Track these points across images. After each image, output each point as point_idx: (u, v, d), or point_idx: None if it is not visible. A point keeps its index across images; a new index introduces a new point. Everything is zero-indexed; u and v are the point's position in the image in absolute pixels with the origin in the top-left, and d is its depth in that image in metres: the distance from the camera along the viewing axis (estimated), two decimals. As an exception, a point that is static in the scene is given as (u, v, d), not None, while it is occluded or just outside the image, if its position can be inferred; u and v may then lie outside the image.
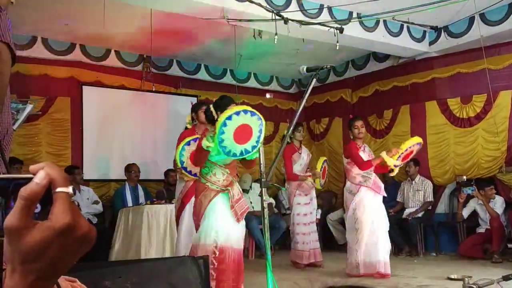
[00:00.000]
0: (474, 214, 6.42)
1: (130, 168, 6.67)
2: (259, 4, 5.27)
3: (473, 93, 6.59)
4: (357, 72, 8.06)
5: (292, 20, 5.50)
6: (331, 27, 5.87)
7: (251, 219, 6.96)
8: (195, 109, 4.75)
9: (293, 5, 5.61)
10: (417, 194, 6.84)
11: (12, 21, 1.35)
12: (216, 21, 5.46)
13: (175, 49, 7.29)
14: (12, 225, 0.50)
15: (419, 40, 6.81)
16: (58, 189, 0.52)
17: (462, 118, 6.72)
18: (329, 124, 8.50)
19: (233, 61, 7.07)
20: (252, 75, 8.56)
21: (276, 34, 5.52)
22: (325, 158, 6.56)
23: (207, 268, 2.88)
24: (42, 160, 6.48)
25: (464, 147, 6.69)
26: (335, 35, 5.91)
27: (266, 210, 2.67)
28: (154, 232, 5.33)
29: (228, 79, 8.24)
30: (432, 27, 6.69)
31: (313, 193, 6.06)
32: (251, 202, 7.32)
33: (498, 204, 6.13)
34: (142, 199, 6.53)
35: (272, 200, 7.69)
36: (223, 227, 3.63)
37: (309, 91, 2.71)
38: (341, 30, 5.88)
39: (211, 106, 3.84)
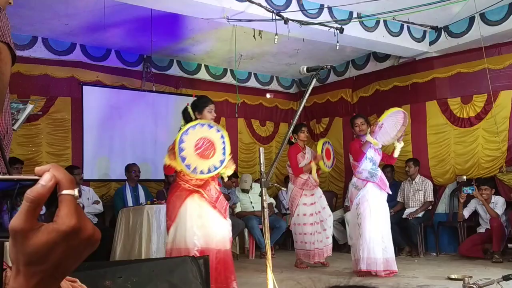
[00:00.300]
0: (474, 214, 6.42)
1: (131, 168, 6.68)
2: (259, 4, 5.27)
3: (474, 93, 6.59)
4: (358, 72, 8.05)
5: (292, 20, 5.50)
6: (331, 27, 5.87)
7: (251, 219, 6.96)
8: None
9: (293, 5, 5.60)
10: (417, 194, 6.84)
11: (12, 21, 1.35)
12: (216, 21, 5.47)
13: (175, 49, 7.29)
14: (18, 227, 0.50)
15: (419, 40, 6.80)
16: (64, 192, 0.52)
17: (463, 118, 6.72)
18: (330, 124, 8.49)
19: (233, 61, 7.07)
20: (252, 75, 8.56)
21: (276, 34, 5.52)
22: (325, 139, 6.45)
23: (207, 268, 2.88)
24: (42, 160, 6.48)
25: (465, 147, 6.69)
26: (335, 35, 5.91)
27: (266, 210, 2.67)
28: (155, 232, 5.34)
29: (228, 79, 8.24)
30: (432, 27, 6.69)
31: (319, 191, 6.04)
32: (251, 202, 7.34)
33: (498, 204, 6.14)
34: (142, 199, 6.53)
35: (272, 200, 7.69)
36: (201, 229, 3.61)
37: (309, 91, 2.71)
38: (341, 30, 5.88)
39: (188, 106, 3.82)
